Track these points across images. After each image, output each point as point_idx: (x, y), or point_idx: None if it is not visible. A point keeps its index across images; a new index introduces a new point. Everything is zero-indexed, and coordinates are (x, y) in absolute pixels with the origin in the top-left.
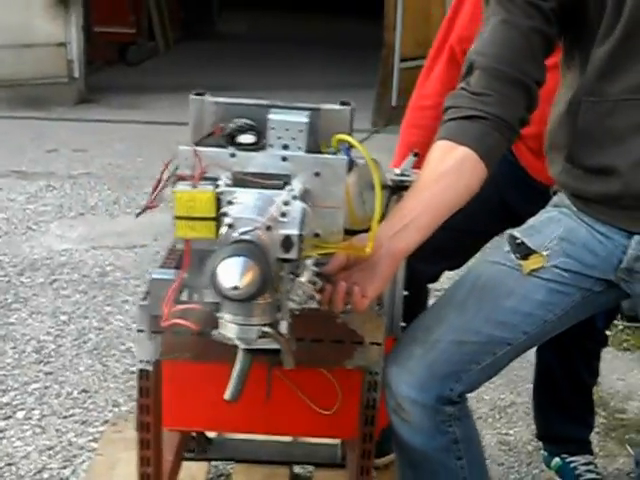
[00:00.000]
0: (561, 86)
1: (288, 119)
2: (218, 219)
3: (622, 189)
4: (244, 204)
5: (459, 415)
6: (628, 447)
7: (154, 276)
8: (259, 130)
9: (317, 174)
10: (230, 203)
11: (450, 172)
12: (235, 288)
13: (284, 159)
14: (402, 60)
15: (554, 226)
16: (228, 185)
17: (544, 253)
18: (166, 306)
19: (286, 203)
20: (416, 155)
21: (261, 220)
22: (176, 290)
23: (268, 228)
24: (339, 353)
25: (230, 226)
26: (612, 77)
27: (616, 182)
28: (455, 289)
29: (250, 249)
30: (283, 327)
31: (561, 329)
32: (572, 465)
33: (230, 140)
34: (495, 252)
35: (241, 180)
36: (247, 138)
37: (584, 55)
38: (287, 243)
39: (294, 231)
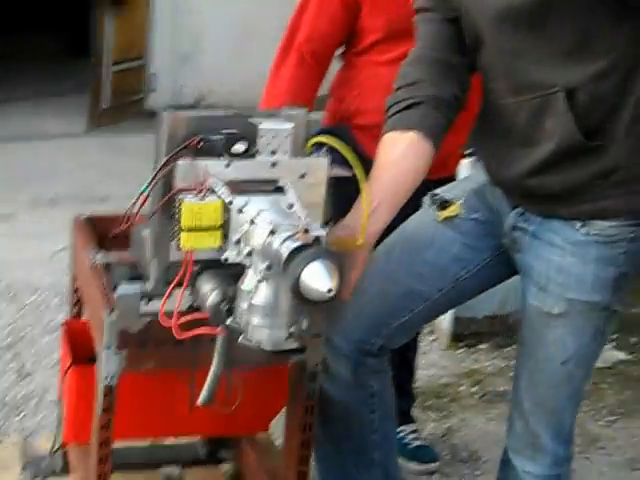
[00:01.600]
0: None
1: (275, 127)
2: (224, 228)
3: (496, 181)
4: (269, 210)
5: (378, 369)
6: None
7: (120, 292)
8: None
9: (302, 176)
10: (240, 212)
11: (401, 158)
12: (330, 290)
13: (273, 165)
14: (113, 64)
15: (468, 182)
16: (230, 194)
17: (458, 202)
18: (175, 318)
19: (290, 206)
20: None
21: (298, 224)
22: (180, 303)
23: (306, 231)
24: None
25: (272, 232)
26: (491, 80)
27: (491, 174)
28: (386, 241)
29: (325, 251)
30: (304, 325)
31: (470, 295)
32: (400, 435)
33: (222, 150)
34: (420, 211)
35: (239, 188)
36: (239, 148)
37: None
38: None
39: (322, 232)
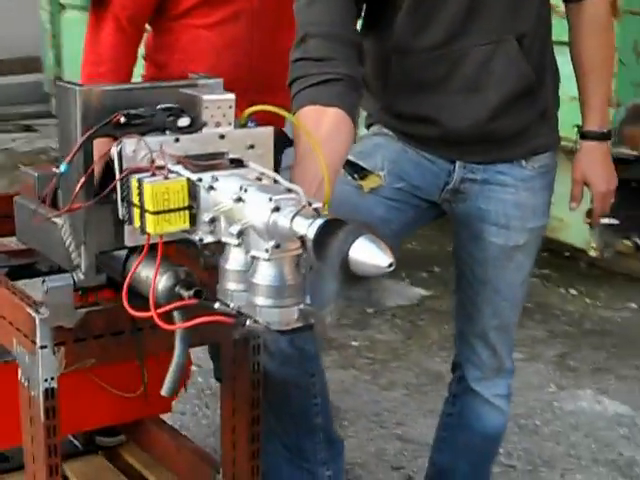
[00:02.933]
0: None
1: (220, 97)
2: (191, 208)
3: (442, 133)
4: (257, 186)
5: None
6: None
7: (51, 284)
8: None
9: (251, 147)
10: (212, 189)
11: (334, 132)
12: (390, 265)
13: (222, 137)
14: None
15: (384, 150)
16: (193, 171)
17: (380, 173)
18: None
19: (259, 179)
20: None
21: (300, 198)
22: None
23: (310, 204)
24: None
25: (277, 209)
26: (418, 34)
27: (435, 128)
28: None
29: (363, 225)
30: (309, 300)
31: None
32: None
33: (166, 125)
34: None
35: (197, 165)
36: (184, 121)
37: (390, 15)
38: None
39: (319, 204)
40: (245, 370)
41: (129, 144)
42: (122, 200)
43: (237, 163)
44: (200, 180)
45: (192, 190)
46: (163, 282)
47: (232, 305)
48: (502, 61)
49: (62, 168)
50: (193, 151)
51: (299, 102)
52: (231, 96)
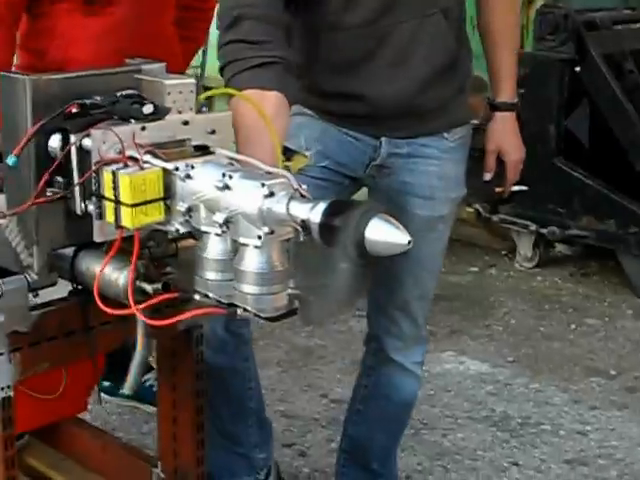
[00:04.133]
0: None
1: (182, 82)
2: (166, 198)
3: (369, 110)
4: (241, 172)
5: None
6: None
7: (5, 287)
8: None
9: (212, 132)
10: (188, 177)
11: (275, 118)
12: (410, 242)
13: (185, 123)
14: None
15: (306, 130)
16: (165, 160)
17: (306, 153)
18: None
19: (231, 164)
20: None
21: (290, 181)
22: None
23: (296, 190)
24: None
25: (271, 194)
26: (347, 11)
27: (363, 105)
28: None
29: (373, 206)
30: (293, 284)
31: None
32: (147, 384)
33: (131, 113)
34: None
35: (169, 153)
36: (149, 109)
37: None
38: None
39: (304, 187)
40: (187, 361)
41: (98, 135)
42: (90, 195)
43: (203, 150)
44: (177, 169)
45: (166, 180)
46: (124, 278)
47: (212, 295)
48: (429, 35)
49: (10, 161)
50: (158, 139)
51: (240, 83)
52: (192, 80)
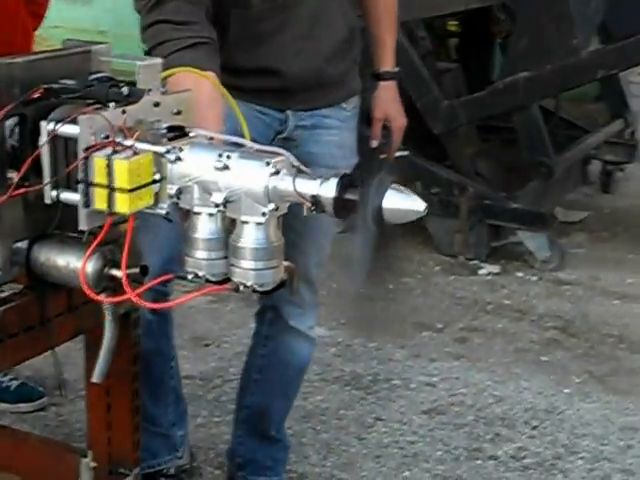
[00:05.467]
0: None
1: (152, 62)
2: (157, 182)
3: (280, 83)
4: (237, 152)
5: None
6: None
7: None
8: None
9: (178, 112)
10: (179, 159)
11: (219, 97)
12: (425, 208)
13: (156, 105)
14: None
15: None
16: (152, 143)
17: None
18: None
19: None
20: None
21: (288, 158)
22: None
23: (296, 166)
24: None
25: (277, 173)
26: None
27: (273, 79)
28: None
29: (385, 177)
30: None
31: None
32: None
33: (110, 96)
34: None
35: (154, 136)
36: (125, 91)
37: None
38: None
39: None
40: (125, 346)
41: (85, 121)
42: (76, 182)
43: (179, 130)
44: (168, 152)
45: (157, 163)
46: (92, 265)
47: (202, 274)
48: (333, 8)
49: None
50: (134, 122)
51: (171, 63)
52: (159, 60)
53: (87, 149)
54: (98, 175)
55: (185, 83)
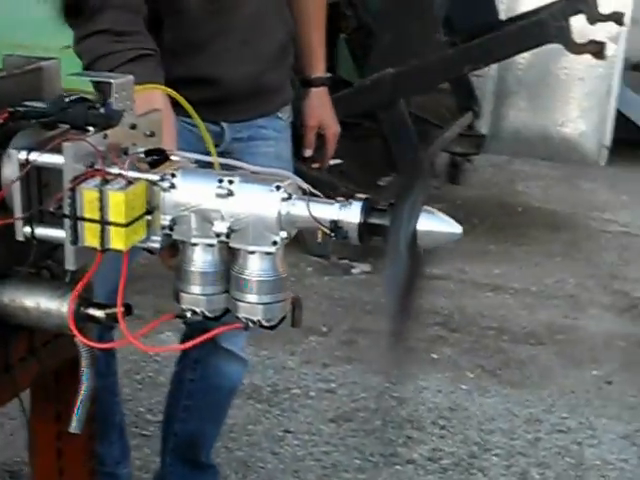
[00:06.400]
0: None
1: (126, 80)
2: (149, 212)
3: (218, 93)
4: (241, 177)
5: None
6: None
7: None
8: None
9: (152, 134)
10: (173, 187)
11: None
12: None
13: (133, 127)
14: None
15: None
16: (141, 170)
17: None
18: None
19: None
20: None
21: (295, 181)
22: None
23: (306, 189)
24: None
25: (289, 197)
26: None
27: (211, 89)
28: None
29: (414, 198)
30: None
31: None
32: None
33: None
34: None
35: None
36: (108, 113)
37: None
38: None
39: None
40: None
41: (71, 149)
42: (61, 216)
43: (159, 154)
44: (162, 179)
45: (149, 192)
46: (67, 306)
47: (199, 310)
48: (271, 11)
49: None
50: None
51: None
52: (131, 77)
53: (73, 180)
54: (88, 209)
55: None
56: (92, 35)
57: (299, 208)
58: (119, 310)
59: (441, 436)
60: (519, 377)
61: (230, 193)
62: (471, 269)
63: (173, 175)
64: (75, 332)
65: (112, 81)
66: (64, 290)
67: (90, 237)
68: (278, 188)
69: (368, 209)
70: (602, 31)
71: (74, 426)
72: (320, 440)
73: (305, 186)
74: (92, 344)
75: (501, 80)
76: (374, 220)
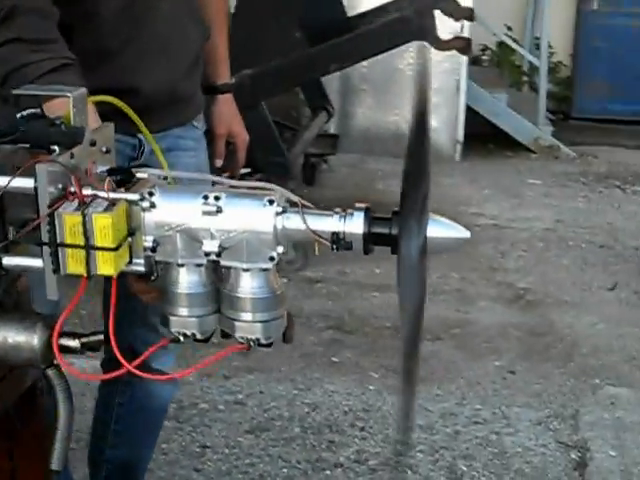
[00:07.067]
0: None
1: (81, 92)
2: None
3: (136, 104)
4: (228, 195)
5: None
6: None
7: None
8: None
9: (108, 151)
10: (153, 206)
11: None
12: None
13: (93, 144)
14: None
15: None
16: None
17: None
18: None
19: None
20: None
21: (286, 193)
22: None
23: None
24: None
25: (284, 211)
26: None
27: (128, 99)
28: None
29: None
30: None
31: None
32: None
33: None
34: None
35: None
36: (71, 130)
37: None
38: None
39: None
40: (33, 420)
41: (44, 171)
42: (40, 244)
43: (124, 172)
44: (142, 199)
45: (129, 213)
46: (39, 338)
47: (190, 333)
48: (187, 16)
49: None
50: (83, 164)
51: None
52: (84, 90)
53: (53, 204)
54: (70, 234)
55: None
56: (4, 44)
57: (295, 222)
58: (112, 340)
59: (363, 437)
60: (424, 373)
61: (219, 210)
62: (352, 270)
63: (151, 194)
64: (63, 364)
65: (69, 94)
66: (31, 321)
67: (74, 264)
68: (271, 202)
69: (371, 219)
70: (446, 27)
71: (55, 464)
72: (241, 452)
73: (295, 198)
74: (93, 376)
75: (346, 78)
76: (379, 229)
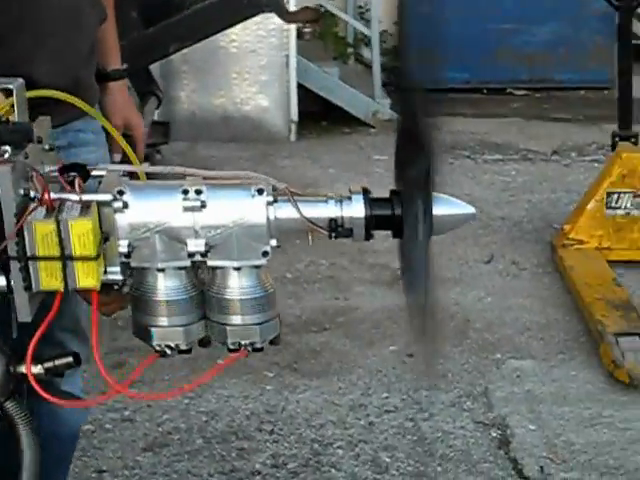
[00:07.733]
0: None
1: (19, 84)
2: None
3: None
4: (210, 187)
5: None
6: None
7: None
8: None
9: (51, 149)
10: (126, 207)
11: None
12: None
13: (40, 141)
14: None
15: None
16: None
17: None
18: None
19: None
20: None
21: (270, 180)
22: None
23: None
24: None
25: (275, 200)
26: None
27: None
28: None
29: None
30: None
31: None
32: None
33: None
34: None
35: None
36: (21, 128)
37: None
38: None
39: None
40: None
41: (7, 173)
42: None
43: (79, 170)
44: (115, 199)
45: (100, 216)
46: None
47: (174, 344)
48: None
49: None
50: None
51: None
52: (22, 81)
53: (24, 211)
54: (43, 245)
55: None
56: None
57: (287, 211)
58: (99, 362)
59: (274, 441)
60: (320, 366)
61: (203, 205)
62: None
63: (121, 192)
64: (42, 393)
65: (11, 86)
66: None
67: (48, 279)
68: (260, 192)
69: (371, 201)
70: None
71: None
72: (144, 472)
73: (282, 185)
74: (90, 402)
75: (165, 60)
76: (381, 212)
